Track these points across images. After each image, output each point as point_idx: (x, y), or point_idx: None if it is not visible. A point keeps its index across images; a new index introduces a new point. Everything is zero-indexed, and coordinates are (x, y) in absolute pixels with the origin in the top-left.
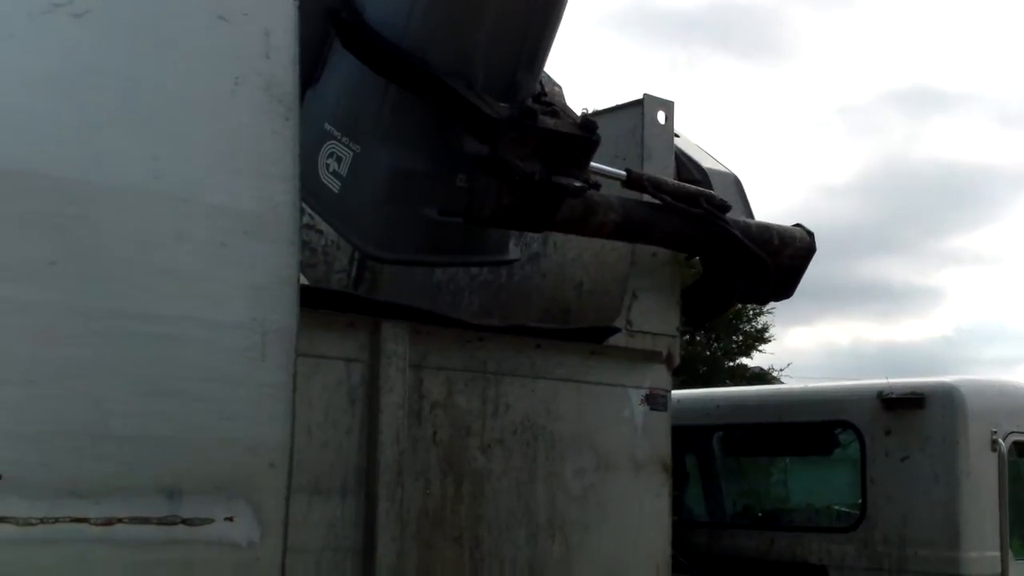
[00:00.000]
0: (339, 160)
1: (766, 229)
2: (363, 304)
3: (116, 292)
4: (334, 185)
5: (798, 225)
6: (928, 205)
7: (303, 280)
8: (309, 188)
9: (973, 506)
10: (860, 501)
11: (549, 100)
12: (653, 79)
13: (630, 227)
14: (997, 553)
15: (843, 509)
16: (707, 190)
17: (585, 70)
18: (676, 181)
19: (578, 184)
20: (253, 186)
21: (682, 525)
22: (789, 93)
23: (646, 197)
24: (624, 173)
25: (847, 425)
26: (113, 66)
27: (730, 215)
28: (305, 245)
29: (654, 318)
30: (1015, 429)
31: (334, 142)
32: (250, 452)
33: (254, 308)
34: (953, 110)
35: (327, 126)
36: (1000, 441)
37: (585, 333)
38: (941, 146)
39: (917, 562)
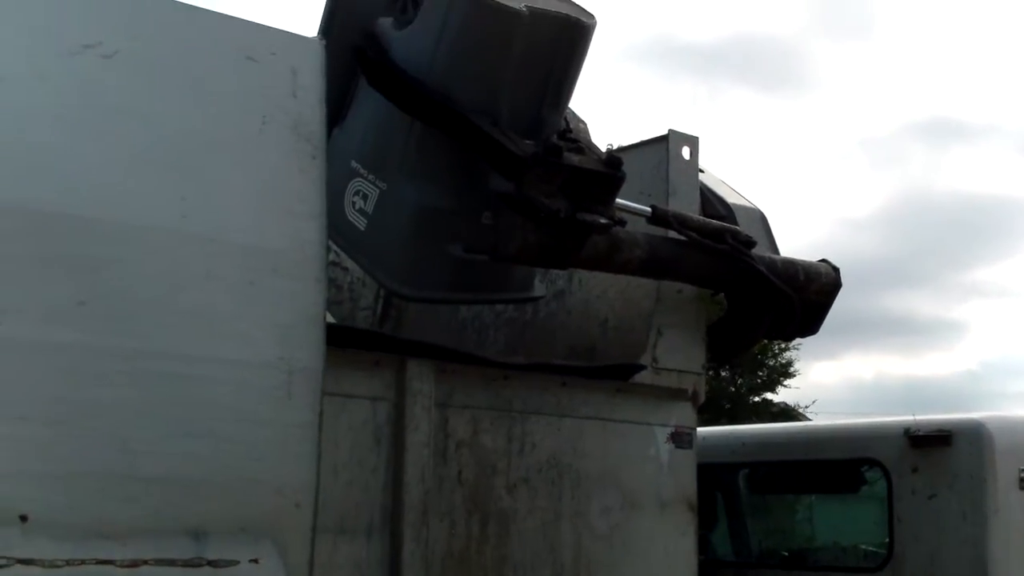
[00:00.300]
0: (365, 197)
1: (791, 265)
2: (389, 342)
3: (144, 332)
4: (360, 223)
5: (824, 261)
6: (951, 237)
7: (329, 318)
8: (336, 225)
9: (1001, 544)
10: (887, 540)
11: (574, 136)
12: (674, 112)
13: (655, 263)
14: None
15: (870, 548)
16: (732, 226)
17: (606, 104)
18: (701, 217)
19: (603, 221)
20: (280, 225)
21: (708, 564)
22: (810, 126)
23: (671, 233)
24: (649, 209)
25: (874, 463)
26: (142, 106)
27: (755, 251)
28: (331, 282)
29: (679, 355)
30: None
31: (360, 179)
32: (276, 493)
33: (281, 347)
34: (974, 141)
35: (354, 163)
36: None
37: (611, 371)
38: (963, 178)
39: None
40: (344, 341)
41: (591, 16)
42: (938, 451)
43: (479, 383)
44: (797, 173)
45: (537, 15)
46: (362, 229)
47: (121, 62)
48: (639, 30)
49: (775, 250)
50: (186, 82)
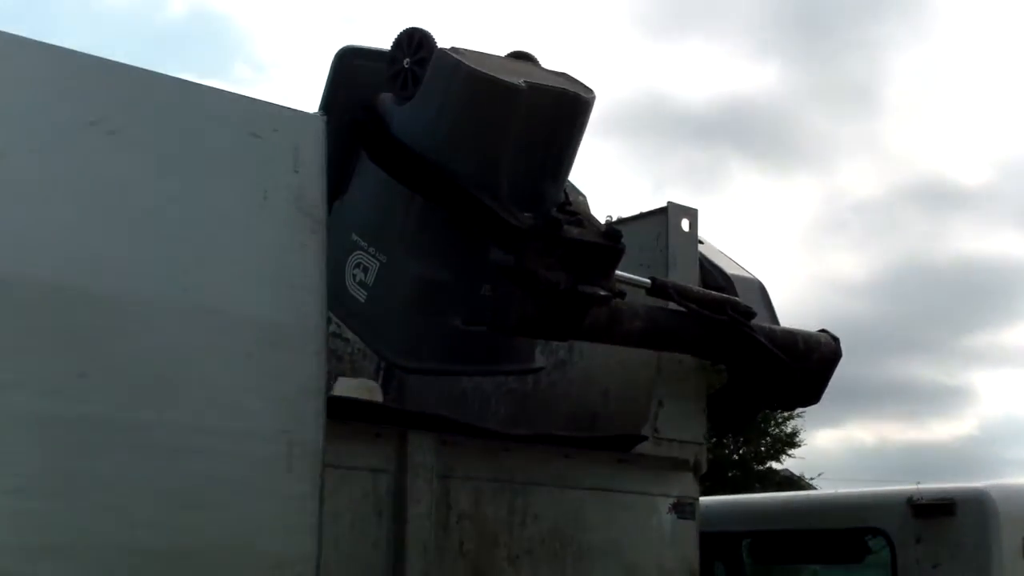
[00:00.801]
0: (366, 270)
1: (791, 335)
2: (390, 414)
3: (143, 404)
4: (360, 295)
5: (823, 331)
6: (951, 303)
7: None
8: (337, 297)
9: None
10: None
11: (574, 209)
12: (664, 183)
13: (656, 334)
14: None
15: None
16: (732, 297)
17: (597, 173)
18: (701, 288)
19: (603, 293)
20: (281, 298)
21: None
22: (804, 192)
23: (672, 305)
24: (649, 281)
25: (877, 532)
26: (144, 181)
27: (755, 321)
28: (332, 353)
29: (681, 425)
30: None
31: (361, 252)
32: (276, 566)
33: (281, 419)
34: (972, 205)
35: (354, 236)
36: None
37: (612, 441)
38: (962, 243)
39: None
40: (345, 413)
41: (589, 90)
42: (942, 520)
43: (481, 454)
44: (791, 240)
45: (536, 89)
46: (362, 301)
47: (124, 138)
48: (629, 96)
49: (775, 320)
50: (189, 157)
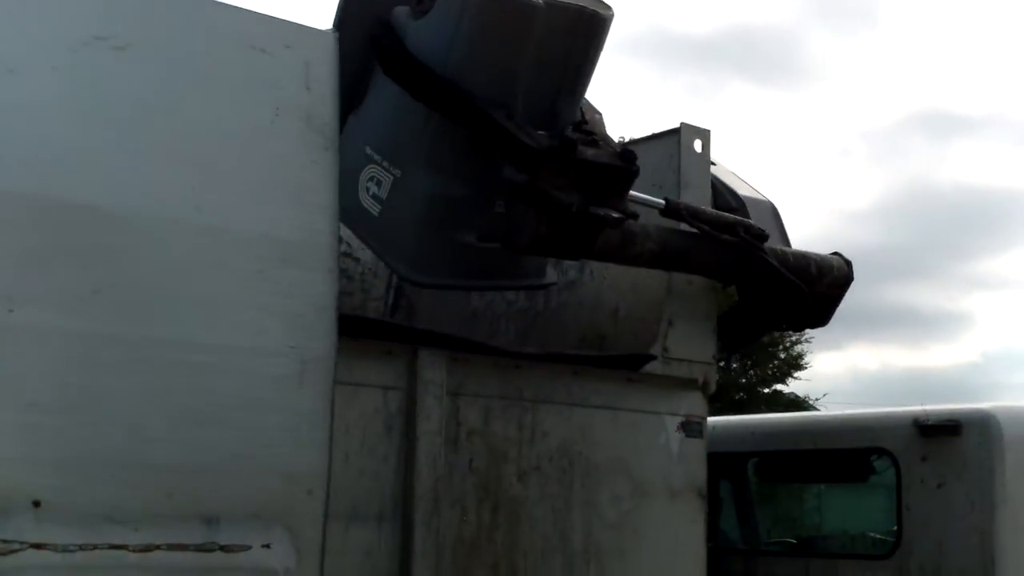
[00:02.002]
0: (379, 184)
1: (803, 258)
2: (400, 332)
3: (156, 321)
4: (374, 208)
5: (836, 254)
6: (954, 229)
7: None
8: (349, 211)
9: (1009, 533)
10: (895, 528)
11: (589, 129)
12: (672, 106)
13: (667, 256)
14: None
15: (878, 536)
16: (744, 219)
17: (608, 97)
18: (714, 211)
19: (616, 215)
20: (292, 215)
21: (717, 552)
22: (810, 118)
23: (683, 225)
24: (662, 202)
25: (883, 452)
26: (154, 98)
27: (768, 243)
28: (342, 272)
29: (690, 345)
30: None
31: (375, 166)
32: (288, 479)
33: (292, 336)
34: (976, 133)
35: (368, 150)
36: None
37: (621, 360)
38: (965, 170)
39: None
40: (356, 331)
41: (608, 8)
42: (947, 441)
43: (490, 372)
44: (798, 165)
45: (554, 6)
46: (375, 215)
47: (133, 54)
48: (635, 22)
49: (786, 242)
50: (198, 74)
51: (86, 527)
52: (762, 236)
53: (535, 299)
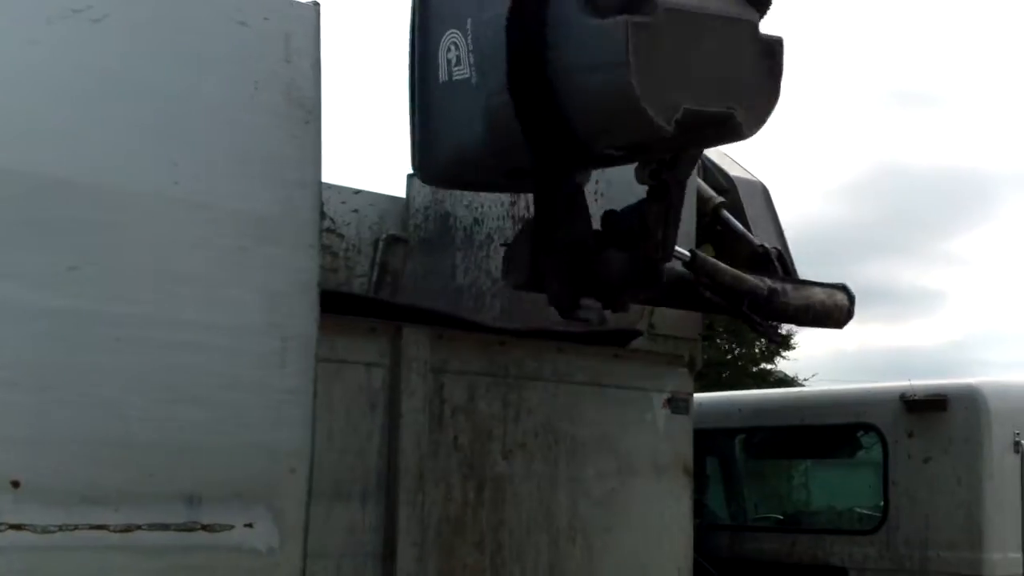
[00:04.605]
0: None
1: (805, 305)
2: (384, 308)
3: (135, 298)
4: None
5: (843, 288)
6: (931, 207)
7: None
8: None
9: (996, 507)
10: (882, 503)
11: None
12: None
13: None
14: (1019, 555)
15: (865, 511)
16: (757, 282)
17: None
18: (733, 272)
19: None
20: (273, 191)
21: (704, 528)
22: (787, 95)
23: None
24: (688, 255)
25: (869, 428)
26: (131, 71)
27: (756, 219)
28: (326, 249)
29: (676, 322)
30: None
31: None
32: (270, 458)
33: (273, 313)
34: (948, 113)
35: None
36: (1023, 443)
37: (607, 336)
38: (939, 149)
39: (939, 563)
40: (339, 307)
41: None
42: (934, 416)
43: (475, 349)
44: (773, 143)
45: None
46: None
47: (111, 26)
48: None
49: (776, 222)
50: (177, 47)
51: (66, 507)
52: (772, 298)
53: None
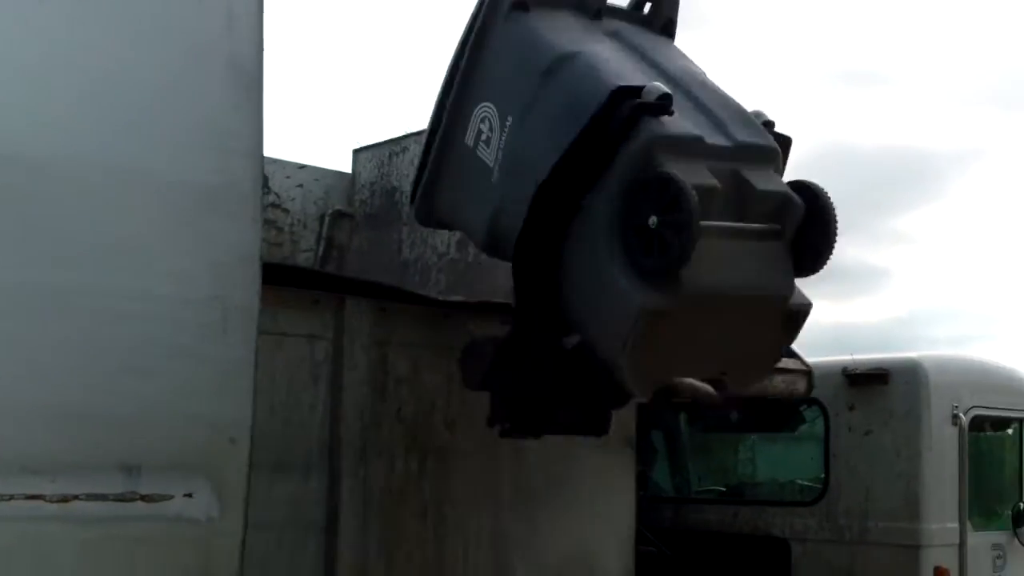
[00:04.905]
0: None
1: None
2: (328, 281)
3: (75, 268)
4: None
5: (806, 374)
6: (877, 185)
7: None
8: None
9: (934, 479)
10: (823, 475)
11: None
12: None
13: None
14: (956, 524)
15: (806, 483)
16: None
17: None
18: (691, 386)
19: None
20: (214, 162)
21: (648, 500)
22: (730, 67)
23: None
24: None
25: (812, 401)
26: (72, 40)
27: None
28: (271, 224)
29: None
30: (976, 404)
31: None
32: (210, 428)
33: (215, 285)
34: (894, 92)
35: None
36: (961, 416)
37: None
38: (884, 128)
39: (878, 533)
40: (281, 279)
41: None
42: (875, 389)
43: (419, 321)
44: None
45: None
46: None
47: None
48: None
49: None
50: (116, 15)
51: (2, 477)
52: None
53: (466, 251)
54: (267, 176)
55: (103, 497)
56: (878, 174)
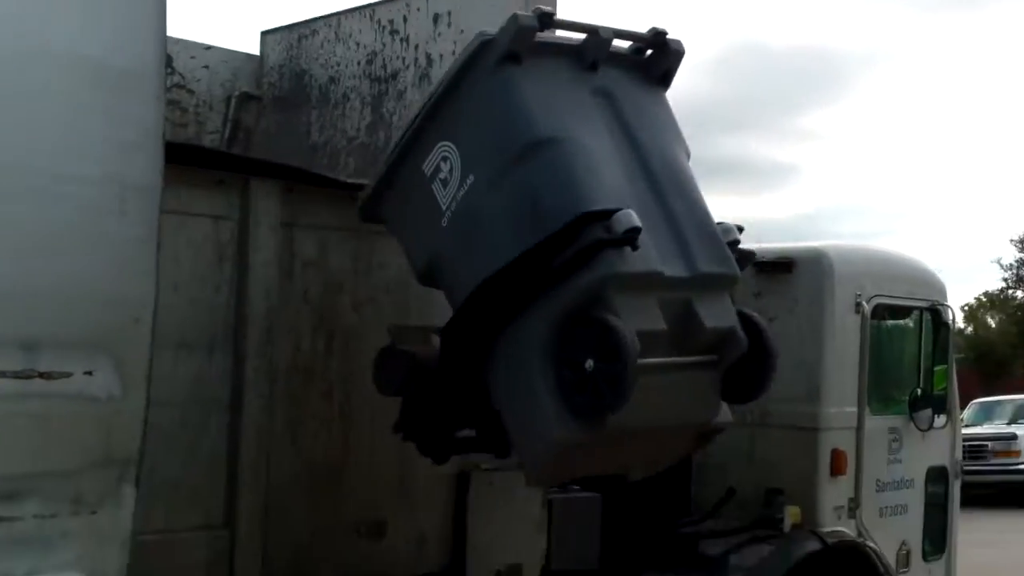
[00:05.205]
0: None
1: None
2: (233, 162)
3: None
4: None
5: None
6: (787, 83)
7: None
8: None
9: (835, 365)
10: None
11: None
12: None
13: None
14: (855, 409)
15: None
16: None
17: None
18: None
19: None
20: (116, 39)
21: None
22: None
23: None
24: None
25: None
26: None
27: None
28: (175, 104)
29: None
30: (878, 293)
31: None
32: (112, 307)
33: (116, 163)
34: None
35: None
36: (864, 304)
37: None
38: (797, 26)
39: (779, 417)
40: (185, 159)
41: None
42: (781, 277)
43: (326, 203)
44: (634, 13)
45: None
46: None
47: None
48: None
49: None
50: None
51: None
52: None
53: (376, 135)
54: (171, 56)
55: (1, 374)
56: (788, 72)
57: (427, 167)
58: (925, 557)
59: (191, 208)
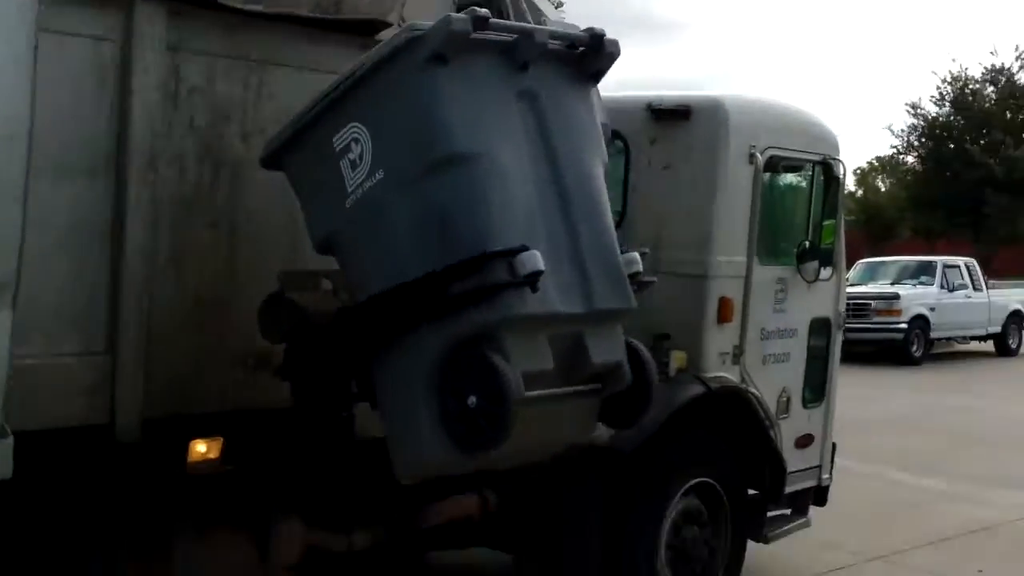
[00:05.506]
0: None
1: None
2: None
3: None
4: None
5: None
6: None
7: None
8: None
9: (726, 214)
10: (620, 207)
11: None
12: None
13: None
14: (744, 258)
15: None
16: None
17: None
18: None
19: None
20: None
21: None
22: None
23: None
24: None
25: (615, 135)
26: None
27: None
28: None
29: (428, 14)
30: (773, 145)
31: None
32: None
33: None
34: None
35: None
36: (758, 155)
37: (356, 25)
38: None
39: (669, 264)
40: None
41: None
42: (677, 125)
43: (216, 29)
44: None
45: None
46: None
47: None
48: None
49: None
50: None
51: None
52: None
53: None
54: None
55: None
56: None
57: (337, 142)
58: (805, 404)
59: (71, 27)
